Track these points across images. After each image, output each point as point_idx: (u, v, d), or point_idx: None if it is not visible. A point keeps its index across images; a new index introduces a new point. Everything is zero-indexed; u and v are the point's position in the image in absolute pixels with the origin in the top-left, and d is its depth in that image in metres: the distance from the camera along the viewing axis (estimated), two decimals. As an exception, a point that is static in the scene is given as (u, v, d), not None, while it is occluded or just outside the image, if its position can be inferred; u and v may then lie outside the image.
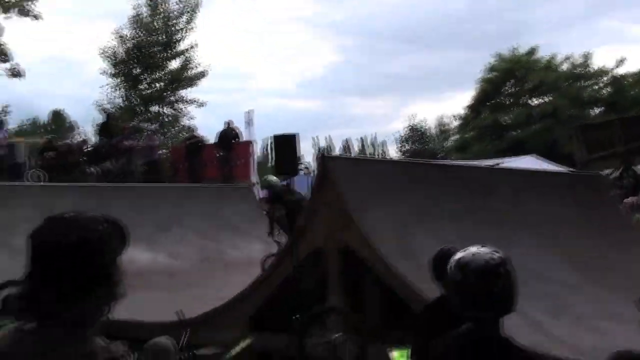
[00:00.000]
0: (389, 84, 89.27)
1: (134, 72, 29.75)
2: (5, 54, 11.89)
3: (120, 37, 29.58)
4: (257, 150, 22.78)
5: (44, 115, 45.60)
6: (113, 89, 30.10)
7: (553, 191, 10.42)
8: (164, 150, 23.77)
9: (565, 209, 9.93)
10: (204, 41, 65.24)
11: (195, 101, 30.47)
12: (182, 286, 12.15)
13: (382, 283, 7.56)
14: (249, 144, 20.82)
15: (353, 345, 7.15)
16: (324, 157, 8.52)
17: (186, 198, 17.26)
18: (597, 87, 37.71)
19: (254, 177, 19.66)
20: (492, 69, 38.95)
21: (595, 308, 7.67)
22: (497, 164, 17.48)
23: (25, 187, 14.94)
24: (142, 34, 29.42)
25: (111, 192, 15.41)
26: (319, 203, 8.13)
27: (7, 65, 12.01)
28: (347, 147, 61.42)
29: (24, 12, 11.73)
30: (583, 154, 19.26)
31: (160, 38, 29.47)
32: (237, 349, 7.26)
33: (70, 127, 43.25)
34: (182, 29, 29.85)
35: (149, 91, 29.99)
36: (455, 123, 43.65)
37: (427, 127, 49.29)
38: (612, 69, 36.89)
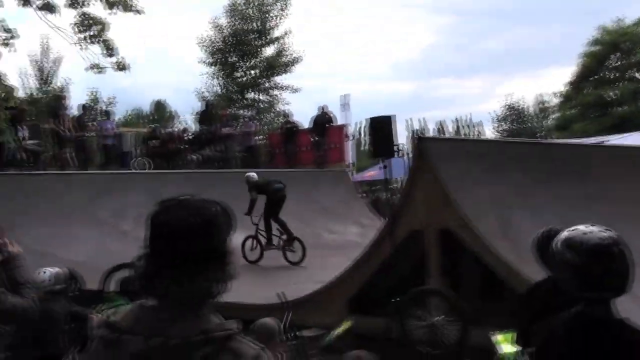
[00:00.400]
0: (484, 63, 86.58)
1: (230, 60, 30.43)
2: (112, 49, 12.44)
3: (217, 26, 30.33)
4: (351, 133, 22.72)
5: (146, 106, 47.52)
6: (211, 78, 30.98)
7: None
8: (261, 137, 24.24)
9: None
10: (298, 26, 65.87)
11: (289, 87, 30.85)
12: (281, 269, 12.42)
13: (481, 264, 7.42)
14: (343, 127, 20.87)
15: (454, 328, 7.07)
16: (420, 138, 8.41)
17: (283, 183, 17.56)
18: None
19: (350, 160, 19.70)
20: (595, 42, 37.01)
21: None
22: (602, 142, 16.65)
23: (132, 174, 15.68)
24: (237, 22, 30.04)
25: (211, 178, 15.91)
26: (416, 185, 8.06)
27: (113, 59, 12.55)
28: (441, 129, 60.34)
29: (128, 8, 12.20)
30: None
31: (255, 25, 29.97)
32: (338, 331, 7.34)
33: (171, 116, 44.84)
34: (276, 16, 30.23)
35: (244, 78, 30.61)
36: (555, 100, 41.88)
37: (525, 106, 47.60)
38: None
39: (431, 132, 58.76)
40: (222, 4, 30.13)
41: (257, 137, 21.70)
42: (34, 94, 34.17)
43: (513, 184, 8.17)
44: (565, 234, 2.55)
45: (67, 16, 12.34)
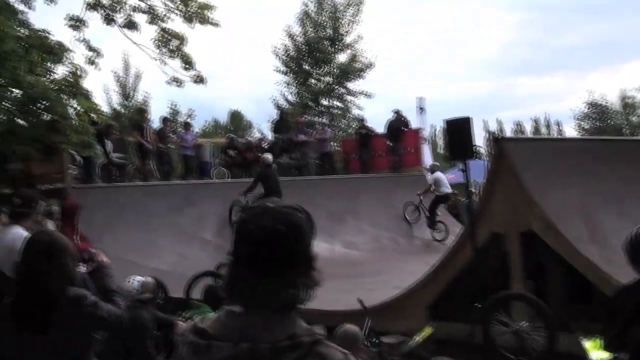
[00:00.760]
0: (563, 60, 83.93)
1: (304, 67, 30.72)
2: (190, 63, 12.77)
3: (290, 34, 30.72)
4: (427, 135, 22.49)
5: (223, 116, 48.67)
6: (285, 86, 31.36)
7: None
8: (336, 143, 24.31)
9: None
10: (370, 31, 65.81)
11: (363, 93, 30.83)
12: (359, 275, 12.40)
13: (566, 268, 7.17)
14: (418, 131, 20.68)
15: (541, 334, 6.84)
16: (499, 138, 8.22)
17: (359, 188, 17.59)
18: None
19: (427, 163, 19.49)
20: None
21: None
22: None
23: (212, 183, 16.07)
24: (310, 30, 30.32)
25: (289, 185, 16.11)
26: (496, 187, 7.88)
27: (192, 72, 12.88)
28: (519, 129, 58.82)
29: (205, 21, 12.50)
30: None
31: (327, 32, 30.15)
32: (419, 337, 7.24)
33: (248, 126, 45.74)
34: (348, 22, 30.32)
35: (318, 85, 30.82)
36: (640, 95, 40.06)
37: (608, 102, 45.69)
38: None
39: (508, 132, 57.43)
40: (295, 12, 30.49)
41: (332, 144, 21.78)
42: (117, 108, 35.64)
43: (598, 183, 7.87)
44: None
45: (148, 32, 12.76)
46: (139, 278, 6.41)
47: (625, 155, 8.68)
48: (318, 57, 30.27)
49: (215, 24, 12.74)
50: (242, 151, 18.06)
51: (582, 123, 45.03)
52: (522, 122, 59.58)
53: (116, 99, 36.60)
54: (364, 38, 30.49)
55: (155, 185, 15.25)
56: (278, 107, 29.56)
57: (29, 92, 10.72)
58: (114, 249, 11.61)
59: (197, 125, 37.03)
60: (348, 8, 30.23)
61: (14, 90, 11.14)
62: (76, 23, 12.29)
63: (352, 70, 30.33)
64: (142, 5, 12.64)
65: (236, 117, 47.50)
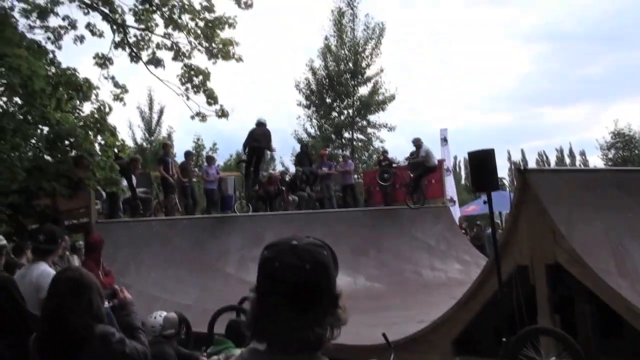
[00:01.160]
0: (586, 89, 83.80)
1: (326, 100, 30.97)
2: (214, 97, 12.97)
3: (312, 69, 31.05)
4: (450, 166, 22.38)
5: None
6: (307, 119, 31.59)
7: None
8: (358, 175, 24.31)
9: None
10: (390, 64, 66.20)
11: (385, 125, 30.92)
12: (383, 309, 12.27)
13: (595, 301, 7.03)
14: (441, 162, 20.61)
15: (570, 369, 6.69)
16: (524, 170, 8.15)
17: (381, 221, 17.51)
18: None
19: (450, 195, 19.36)
20: None
21: None
22: None
23: (234, 217, 16.12)
24: (331, 64, 30.63)
25: (311, 218, 16.08)
26: (521, 218, 7.80)
27: (216, 107, 13.07)
28: (542, 159, 58.46)
29: (228, 57, 12.73)
30: None
31: (348, 66, 30.43)
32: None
33: (270, 159, 45.96)
34: (369, 55, 30.60)
35: (340, 118, 31.01)
36: (666, 124, 39.59)
37: (632, 132, 45.17)
38: None
39: (532, 162, 57.07)
40: (317, 47, 30.84)
41: (354, 176, 21.79)
42: (141, 143, 36.09)
43: (625, 215, 7.76)
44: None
45: (172, 68, 13.03)
46: (162, 313, 6.42)
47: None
48: (339, 90, 30.54)
49: (238, 59, 12.95)
50: (264, 184, 18.11)
51: (608, 153, 44.54)
52: (545, 152, 59.30)
53: (139, 134, 37.13)
54: (385, 70, 30.75)
55: (179, 220, 15.33)
56: (300, 140, 29.75)
57: (56, 129, 10.90)
58: (137, 284, 11.69)
59: (221, 159, 37.33)
60: (369, 41, 30.55)
61: (42, 127, 11.35)
62: (103, 61, 12.58)
63: (374, 103, 30.49)
64: (167, 42, 12.92)
65: (258, 150, 47.67)
